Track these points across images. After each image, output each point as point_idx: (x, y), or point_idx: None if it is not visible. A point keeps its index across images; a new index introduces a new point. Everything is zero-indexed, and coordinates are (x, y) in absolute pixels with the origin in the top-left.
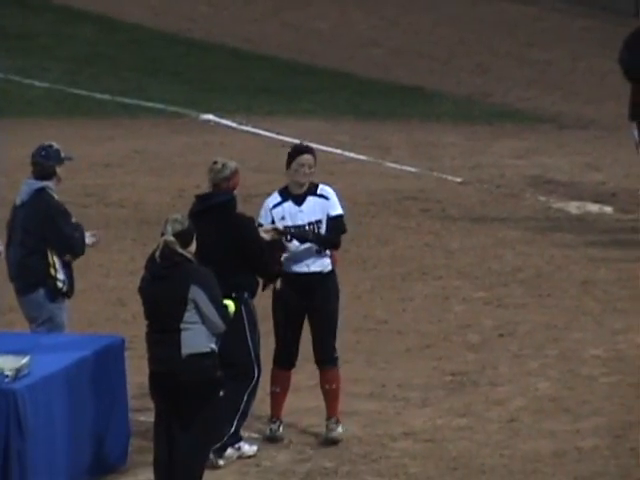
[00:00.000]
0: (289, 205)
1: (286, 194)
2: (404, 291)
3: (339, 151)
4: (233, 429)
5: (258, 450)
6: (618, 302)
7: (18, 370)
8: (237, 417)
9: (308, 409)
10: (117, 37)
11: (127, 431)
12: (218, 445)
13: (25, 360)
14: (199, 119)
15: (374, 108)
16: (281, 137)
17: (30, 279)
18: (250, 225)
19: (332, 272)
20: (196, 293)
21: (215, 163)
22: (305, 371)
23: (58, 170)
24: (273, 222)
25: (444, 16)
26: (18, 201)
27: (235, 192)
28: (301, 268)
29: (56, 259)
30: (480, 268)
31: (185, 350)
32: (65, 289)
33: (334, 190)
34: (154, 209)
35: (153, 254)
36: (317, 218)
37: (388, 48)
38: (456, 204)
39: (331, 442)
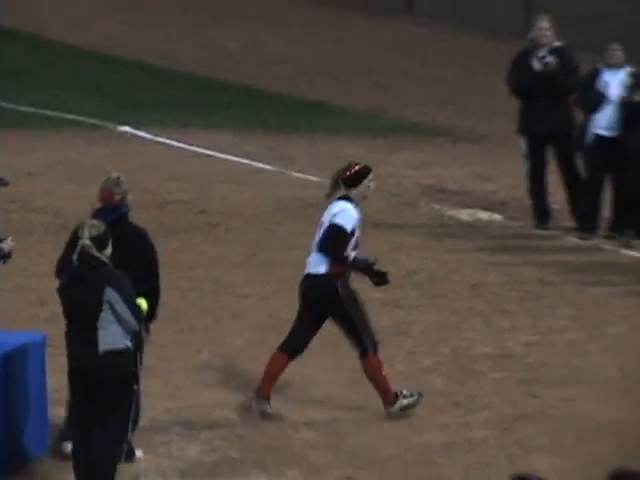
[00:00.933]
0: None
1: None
2: None
3: (247, 161)
4: None
5: (170, 442)
6: (506, 303)
7: None
8: None
9: (218, 403)
10: (41, 54)
11: (47, 424)
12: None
13: None
14: (116, 131)
15: (281, 122)
16: (193, 148)
17: None
18: (147, 237)
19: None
20: (111, 294)
21: (116, 177)
22: (214, 366)
23: None
24: (354, 230)
25: (346, 36)
26: None
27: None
28: None
29: None
30: None
31: (102, 347)
32: None
33: None
34: (74, 216)
35: (67, 257)
36: None
37: (294, 66)
38: None
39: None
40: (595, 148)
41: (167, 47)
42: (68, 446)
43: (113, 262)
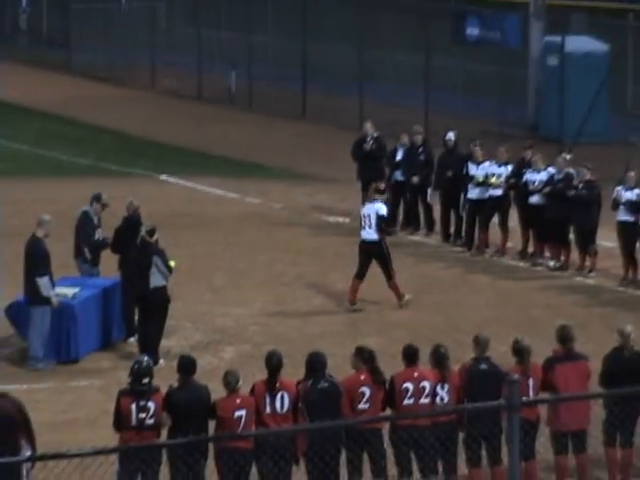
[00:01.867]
0: None
1: None
2: None
3: None
4: None
5: None
6: None
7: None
8: None
9: None
10: None
11: (122, 328)
12: None
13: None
14: None
15: None
16: None
17: None
18: None
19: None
20: (155, 259)
21: (129, 202)
22: None
23: None
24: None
25: None
26: None
27: None
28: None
29: None
30: None
31: (152, 284)
32: None
33: None
34: None
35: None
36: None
37: None
38: None
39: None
40: None
41: None
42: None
43: None
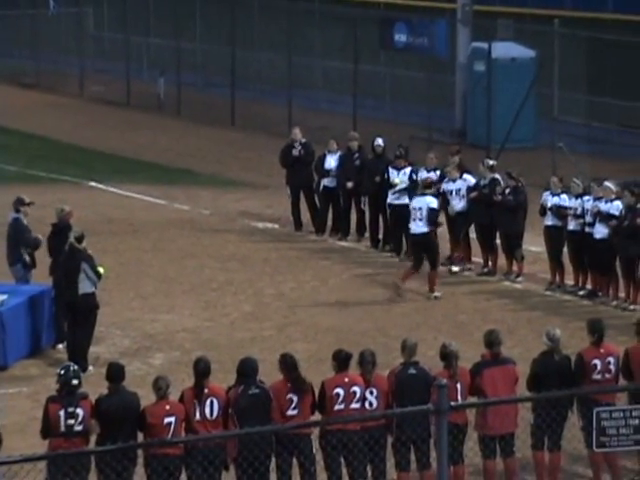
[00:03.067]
0: None
1: None
2: None
3: None
4: None
5: None
6: None
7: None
8: None
9: None
10: None
11: (51, 334)
12: None
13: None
14: None
15: None
16: None
17: None
18: None
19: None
20: (84, 265)
21: (57, 208)
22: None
23: None
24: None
25: None
26: None
27: None
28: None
29: None
30: None
31: (80, 291)
32: None
33: None
34: None
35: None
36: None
37: None
38: None
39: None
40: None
41: None
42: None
43: None
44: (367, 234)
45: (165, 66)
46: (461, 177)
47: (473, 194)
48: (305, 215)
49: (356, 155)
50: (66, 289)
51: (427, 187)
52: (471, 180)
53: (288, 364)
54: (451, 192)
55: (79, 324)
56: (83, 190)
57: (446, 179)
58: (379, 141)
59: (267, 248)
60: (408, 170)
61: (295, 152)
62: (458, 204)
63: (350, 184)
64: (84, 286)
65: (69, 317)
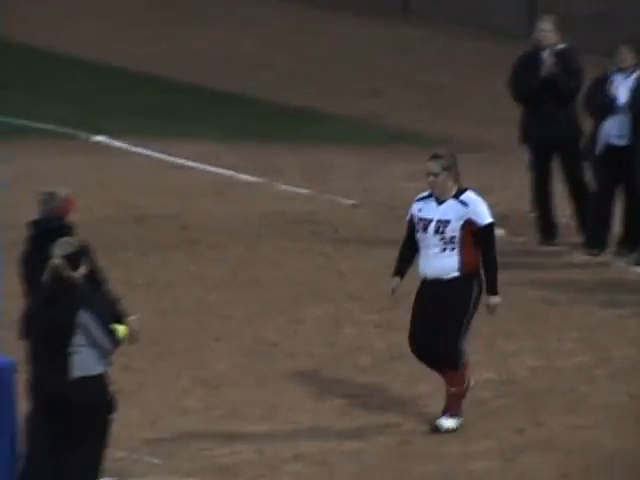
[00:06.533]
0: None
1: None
2: (295, 313)
3: (230, 172)
4: None
5: (148, 474)
6: (508, 325)
7: None
8: None
9: (199, 432)
10: (7, 57)
11: (15, 456)
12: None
13: None
14: (90, 140)
15: (265, 130)
16: (172, 159)
17: None
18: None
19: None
20: (84, 317)
21: (43, 194)
22: (195, 393)
23: None
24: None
25: (335, 39)
26: None
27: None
28: None
29: None
30: (370, 291)
31: (75, 373)
32: None
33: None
34: None
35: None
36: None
37: (279, 70)
38: (348, 226)
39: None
40: (605, 158)
41: (140, 50)
42: None
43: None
44: None
45: None
46: None
47: None
48: (561, 209)
49: None
50: (47, 369)
51: None
52: None
53: None
54: None
55: (73, 442)
56: None
57: None
58: None
59: None
60: None
61: (544, 69)
62: None
63: None
64: (84, 362)
65: (51, 427)
